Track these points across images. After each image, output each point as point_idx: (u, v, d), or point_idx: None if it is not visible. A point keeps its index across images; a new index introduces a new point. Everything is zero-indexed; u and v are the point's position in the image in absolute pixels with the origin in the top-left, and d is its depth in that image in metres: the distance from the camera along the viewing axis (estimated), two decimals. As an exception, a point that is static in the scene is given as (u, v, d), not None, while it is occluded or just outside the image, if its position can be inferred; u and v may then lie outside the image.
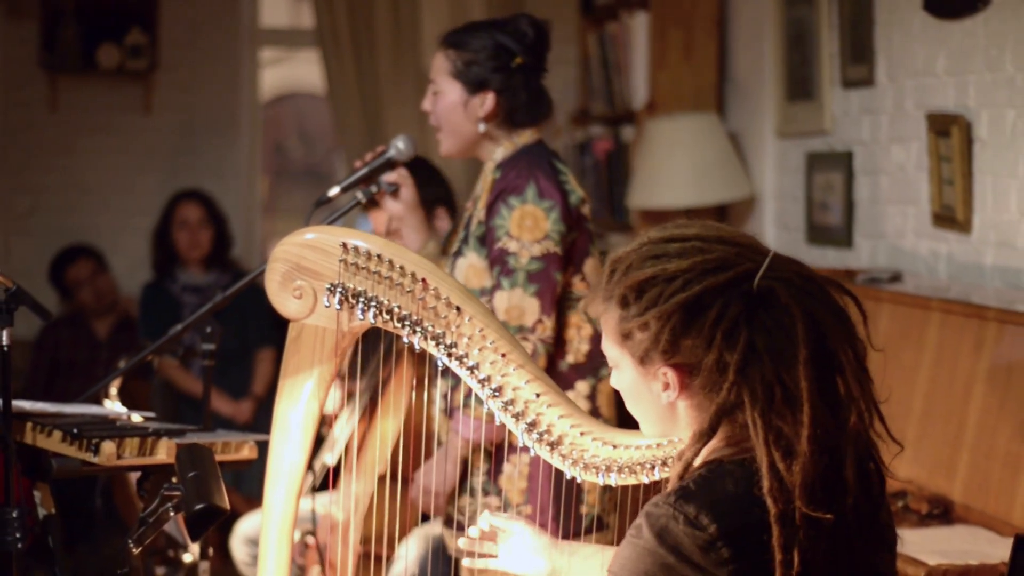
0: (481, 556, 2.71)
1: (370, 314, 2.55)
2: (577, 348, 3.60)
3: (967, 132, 4.34)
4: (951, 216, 4.45)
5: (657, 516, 2.06)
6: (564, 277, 3.55)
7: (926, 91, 4.64)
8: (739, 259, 2.12)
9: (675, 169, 5.79)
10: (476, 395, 2.57)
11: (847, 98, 5.21)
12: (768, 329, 2.07)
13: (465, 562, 2.76)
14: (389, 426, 4.14)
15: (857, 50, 5.08)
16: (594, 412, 3.56)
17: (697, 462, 2.14)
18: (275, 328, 6.19)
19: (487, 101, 3.62)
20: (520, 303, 3.47)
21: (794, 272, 2.13)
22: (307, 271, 2.59)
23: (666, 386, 2.16)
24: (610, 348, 2.23)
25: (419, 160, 4.64)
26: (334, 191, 3.71)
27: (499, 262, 3.50)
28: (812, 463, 2.03)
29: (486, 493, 3.55)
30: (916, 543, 3.36)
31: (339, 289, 2.57)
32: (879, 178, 4.99)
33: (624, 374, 2.22)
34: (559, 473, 2.53)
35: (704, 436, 2.11)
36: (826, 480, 2.05)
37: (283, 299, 2.61)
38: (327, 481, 4.34)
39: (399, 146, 3.70)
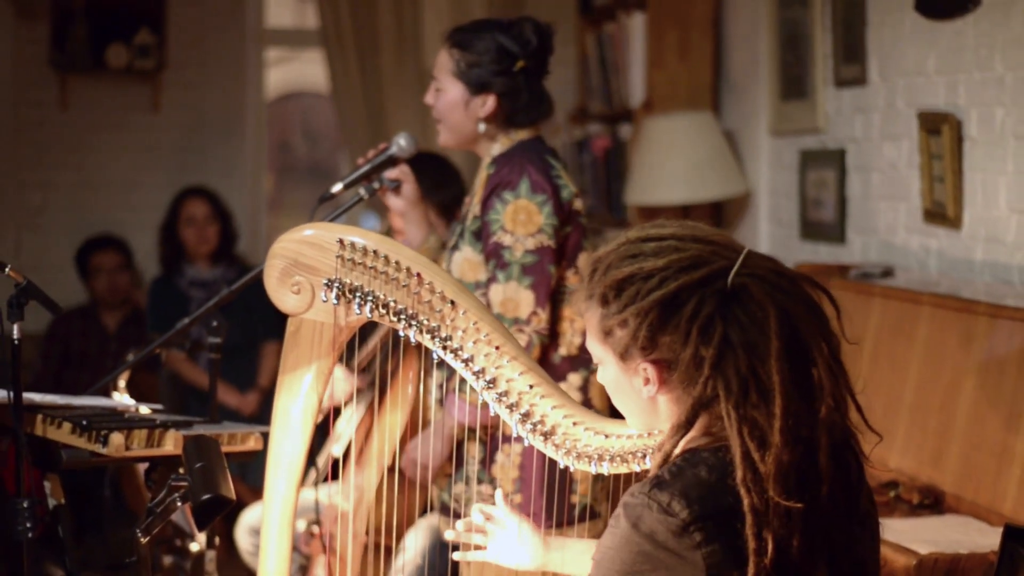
0: (471, 549, 2.72)
1: (367, 309, 2.56)
2: (570, 341, 3.60)
3: (957, 130, 4.34)
4: (942, 212, 4.45)
5: (632, 506, 2.08)
6: (558, 271, 3.55)
7: (917, 90, 4.63)
8: (714, 257, 2.15)
9: (672, 166, 5.79)
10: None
11: (840, 97, 5.20)
12: (742, 324, 2.10)
13: (455, 556, 2.76)
14: (395, 419, 4.14)
15: (850, 50, 5.07)
16: (586, 403, 3.56)
17: (676, 452, 2.16)
18: (280, 322, 6.17)
19: (488, 102, 3.62)
20: (515, 296, 3.47)
21: (768, 269, 2.16)
22: (305, 267, 2.59)
23: (646, 381, 2.18)
24: (593, 345, 2.26)
25: (435, 161, 4.63)
26: (337, 187, 3.71)
27: (494, 255, 3.51)
28: (785, 453, 2.05)
29: (480, 481, 3.55)
30: (907, 532, 3.36)
31: (336, 284, 2.57)
32: (871, 175, 4.99)
33: (607, 370, 2.25)
34: (551, 463, 2.54)
35: (682, 428, 2.13)
36: (800, 470, 2.07)
37: (282, 294, 2.62)
38: (329, 473, 4.35)
39: (400, 143, 3.70)
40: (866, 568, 2.22)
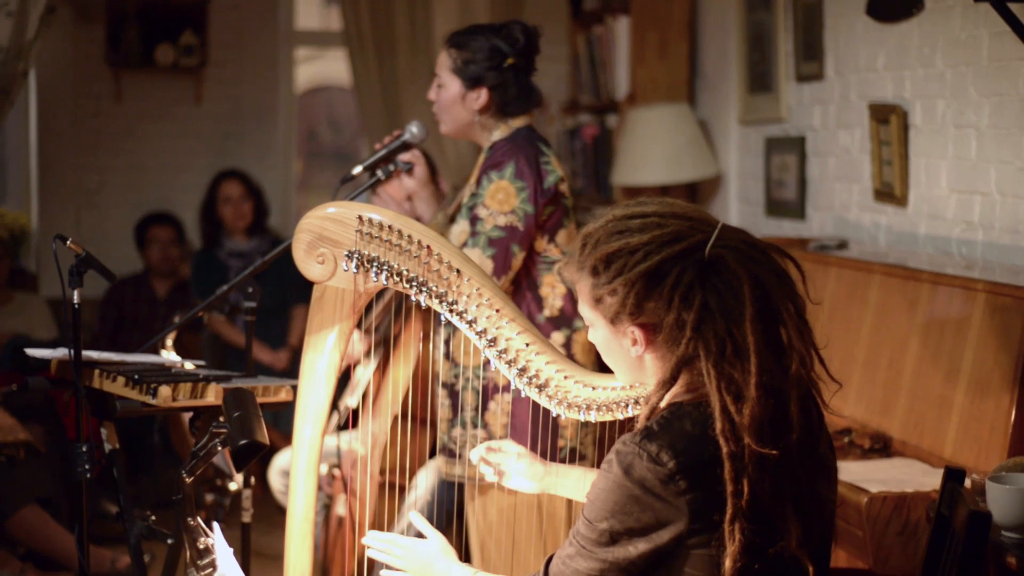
0: (486, 473, 2.74)
1: (383, 276, 2.56)
2: (552, 304, 3.60)
3: (904, 120, 4.33)
4: (890, 192, 4.44)
5: (624, 454, 2.07)
6: (539, 245, 3.57)
7: (868, 84, 4.62)
8: (692, 231, 2.13)
9: (652, 152, 5.78)
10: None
11: (800, 90, 5.19)
12: (719, 291, 2.08)
13: (483, 470, 2.73)
14: (401, 372, 4.14)
15: (809, 49, 5.06)
16: (570, 359, 3.55)
17: (662, 405, 2.15)
18: (307, 288, 6.13)
19: (481, 96, 3.61)
20: (477, 261, 3.47)
21: (740, 240, 2.15)
22: (328, 240, 2.59)
23: (634, 342, 2.17)
24: (585, 310, 2.24)
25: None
26: (357, 170, 3.70)
27: (472, 224, 3.52)
28: (760, 406, 2.04)
29: (475, 426, 3.56)
30: (859, 474, 3.36)
31: (356, 255, 2.57)
32: (828, 159, 4.98)
33: (598, 331, 2.23)
34: (537, 411, 2.54)
35: (666, 384, 2.12)
36: (773, 420, 2.06)
37: (308, 264, 2.62)
38: (350, 421, 4.35)
39: (413, 130, 3.69)
40: (824, 508, 2.21)
